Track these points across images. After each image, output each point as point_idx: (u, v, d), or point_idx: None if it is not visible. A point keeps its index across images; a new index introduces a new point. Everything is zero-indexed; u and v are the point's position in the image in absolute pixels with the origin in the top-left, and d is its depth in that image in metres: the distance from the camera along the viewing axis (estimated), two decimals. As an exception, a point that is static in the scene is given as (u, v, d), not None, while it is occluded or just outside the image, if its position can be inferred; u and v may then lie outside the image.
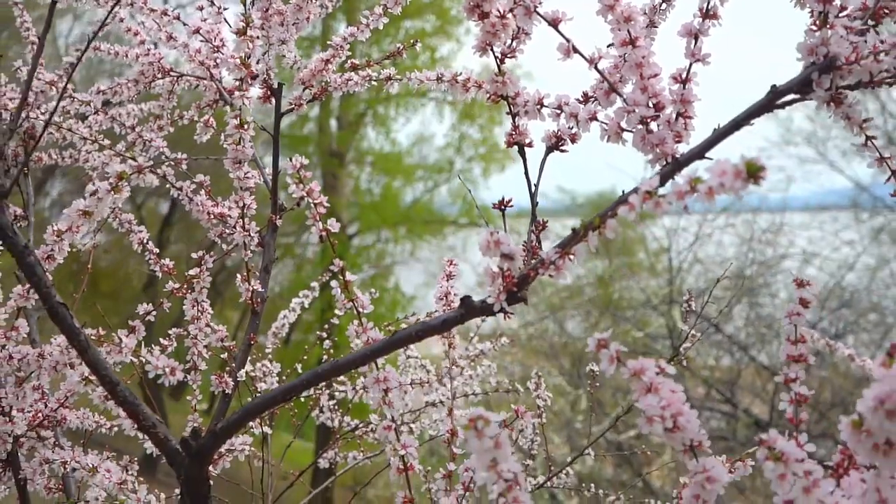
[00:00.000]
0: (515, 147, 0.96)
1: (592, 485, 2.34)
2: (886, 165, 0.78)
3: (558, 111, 0.91)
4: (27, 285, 1.11)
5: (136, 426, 1.09)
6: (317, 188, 0.96)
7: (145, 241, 1.36)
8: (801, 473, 0.59)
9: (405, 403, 1.78)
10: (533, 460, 2.23)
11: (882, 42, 0.70)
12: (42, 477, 1.23)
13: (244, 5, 1.16)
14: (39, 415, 1.22)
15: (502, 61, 0.92)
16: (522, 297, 0.76)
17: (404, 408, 1.80)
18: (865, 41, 0.71)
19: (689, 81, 0.81)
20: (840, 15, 0.74)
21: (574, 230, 0.72)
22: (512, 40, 0.91)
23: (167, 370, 1.11)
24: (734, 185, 0.58)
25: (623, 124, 0.84)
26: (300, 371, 2.09)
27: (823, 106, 0.75)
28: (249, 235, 1.20)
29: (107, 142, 1.57)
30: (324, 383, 2.09)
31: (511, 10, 0.85)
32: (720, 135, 0.77)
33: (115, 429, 1.35)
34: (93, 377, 1.11)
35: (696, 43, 0.81)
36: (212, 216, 1.27)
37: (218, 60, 1.29)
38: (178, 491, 1.28)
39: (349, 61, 1.38)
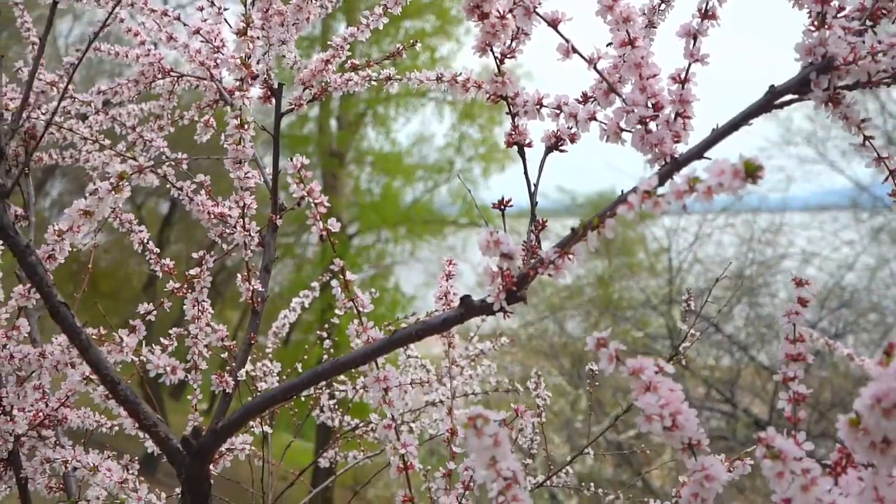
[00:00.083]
0: (515, 147, 0.96)
1: (592, 484, 2.34)
2: (884, 165, 0.78)
3: (557, 111, 0.92)
4: (28, 285, 1.12)
5: (137, 425, 1.09)
6: (317, 188, 0.96)
7: (146, 240, 1.37)
8: (798, 471, 0.59)
9: (405, 403, 1.79)
10: (533, 460, 2.24)
11: (880, 42, 0.71)
12: (43, 476, 1.24)
13: (244, 6, 1.16)
14: (40, 414, 1.23)
15: (502, 61, 0.93)
16: (522, 297, 0.76)
17: (404, 407, 1.81)
18: (863, 41, 0.72)
19: (688, 82, 0.81)
20: (838, 15, 0.74)
21: (573, 230, 0.72)
22: (511, 41, 0.91)
23: (168, 369, 1.11)
24: (732, 184, 0.59)
25: (622, 124, 0.84)
26: (300, 371, 2.09)
27: (821, 106, 0.75)
28: (250, 235, 1.21)
29: (107, 142, 1.58)
30: (324, 383, 2.09)
31: (511, 11, 0.85)
32: (718, 135, 0.77)
33: (116, 428, 1.36)
34: (94, 376, 1.11)
35: (694, 43, 0.81)
36: (212, 216, 1.27)
37: (218, 61, 1.30)
38: (178, 490, 1.28)
39: (349, 61, 1.38)
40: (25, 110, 1.42)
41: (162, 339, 1.25)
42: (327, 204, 0.96)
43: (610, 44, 0.85)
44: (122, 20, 1.43)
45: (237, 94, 1.12)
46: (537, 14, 0.85)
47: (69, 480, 1.37)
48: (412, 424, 1.94)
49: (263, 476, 1.89)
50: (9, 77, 1.51)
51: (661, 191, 0.64)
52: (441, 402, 1.81)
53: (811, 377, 6.86)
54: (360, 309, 0.94)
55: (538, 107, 0.93)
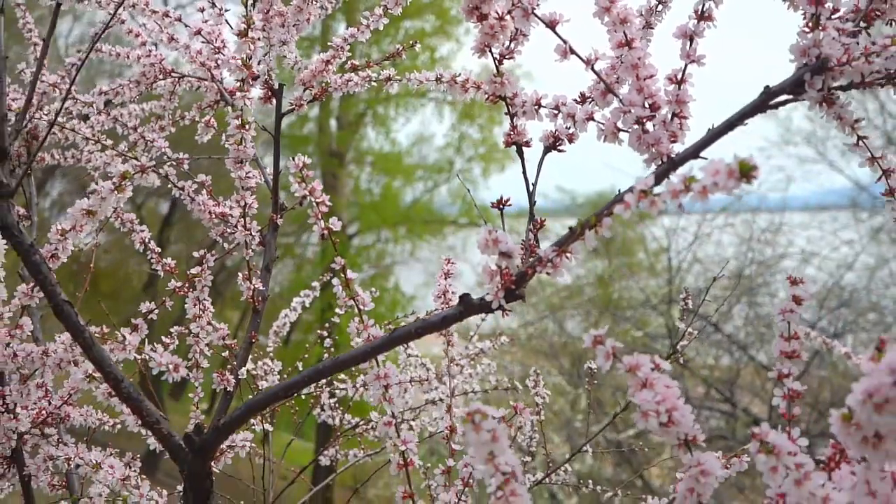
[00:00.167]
0: (514, 147, 0.97)
1: (591, 482, 2.35)
2: (878, 165, 0.79)
3: (556, 111, 0.93)
4: (31, 283, 1.13)
5: (139, 422, 1.10)
6: (319, 187, 0.97)
7: (147, 240, 1.38)
8: (792, 466, 0.60)
9: (405, 401, 1.79)
10: (532, 458, 2.24)
11: (873, 44, 0.71)
12: (46, 473, 1.25)
13: (245, 7, 1.17)
14: (43, 412, 1.24)
15: (501, 62, 0.94)
16: (520, 295, 0.77)
17: (404, 405, 1.82)
18: (857, 43, 0.73)
19: (685, 82, 0.82)
20: (832, 17, 0.75)
21: (571, 229, 0.73)
22: (510, 42, 0.92)
23: (171, 367, 1.12)
24: (727, 184, 0.59)
25: (619, 124, 0.85)
26: (301, 370, 2.10)
27: (816, 106, 0.76)
28: (251, 234, 1.22)
29: (109, 142, 1.58)
30: (325, 381, 2.10)
31: (509, 12, 0.86)
32: (714, 135, 0.78)
33: (118, 426, 1.37)
34: (97, 374, 1.12)
35: (691, 44, 0.82)
36: (213, 215, 1.28)
37: (219, 61, 1.30)
38: (180, 487, 1.29)
39: (349, 62, 1.39)
40: (29, 111, 1.43)
41: (163, 338, 1.26)
42: (329, 203, 0.97)
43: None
44: (122, 21, 1.43)
45: (238, 94, 1.13)
46: (535, 15, 0.85)
47: (72, 478, 1.38)
48: (412, 423, 1.95)
49: (264, 474, 1.90)
50: (11, 78, 1.52)
51: (657, 190, 0.65)
52: (441, 400, 1.81)
53: (810, 377, 6.87)
54: (361, 307, 0.95)
55: (536, 107, 0.94)
